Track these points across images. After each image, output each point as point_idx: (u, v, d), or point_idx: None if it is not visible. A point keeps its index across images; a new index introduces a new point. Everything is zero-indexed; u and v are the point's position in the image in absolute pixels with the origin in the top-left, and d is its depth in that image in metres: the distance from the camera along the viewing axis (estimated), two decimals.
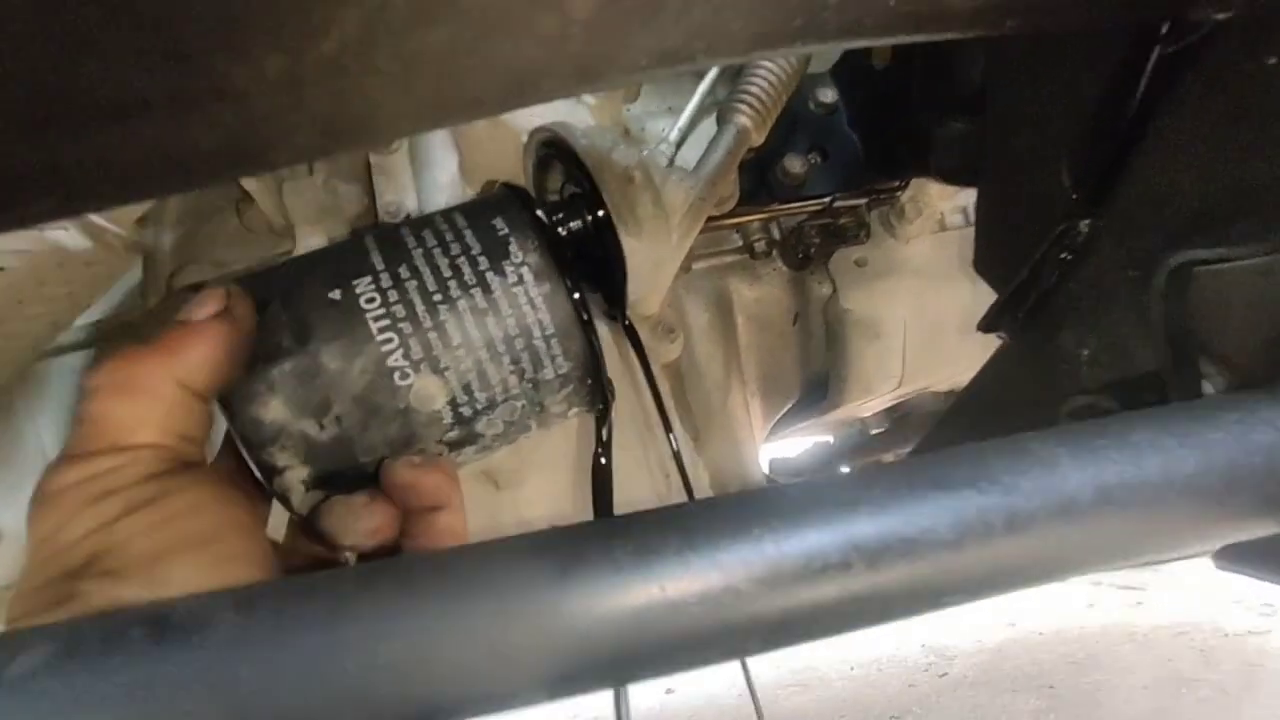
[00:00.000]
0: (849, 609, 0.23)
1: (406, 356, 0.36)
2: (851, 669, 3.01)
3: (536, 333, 0.38)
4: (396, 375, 0.36)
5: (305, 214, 0.69)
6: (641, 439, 0.75)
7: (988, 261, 0.61)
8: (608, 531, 0.23)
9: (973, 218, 1.02)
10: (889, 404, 1.22)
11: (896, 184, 0.92)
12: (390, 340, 0.36)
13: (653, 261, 0.58)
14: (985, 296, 1.06)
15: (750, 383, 0.95)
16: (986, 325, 0.57)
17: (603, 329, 0.84)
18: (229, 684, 0.20)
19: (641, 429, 0.75)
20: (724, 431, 0.89)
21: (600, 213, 0.54)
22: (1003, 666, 2.60)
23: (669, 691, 3.48)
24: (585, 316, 0.39)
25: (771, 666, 3.48)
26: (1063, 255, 0.48)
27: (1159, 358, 0.39)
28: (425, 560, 0.23)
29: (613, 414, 0.48)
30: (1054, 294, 0.50)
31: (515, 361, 0.38)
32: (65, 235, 0.49)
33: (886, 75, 0.87)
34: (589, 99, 0.64)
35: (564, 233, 0.56)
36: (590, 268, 0.66)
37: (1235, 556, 0.41)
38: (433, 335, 0.36)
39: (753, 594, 0.22)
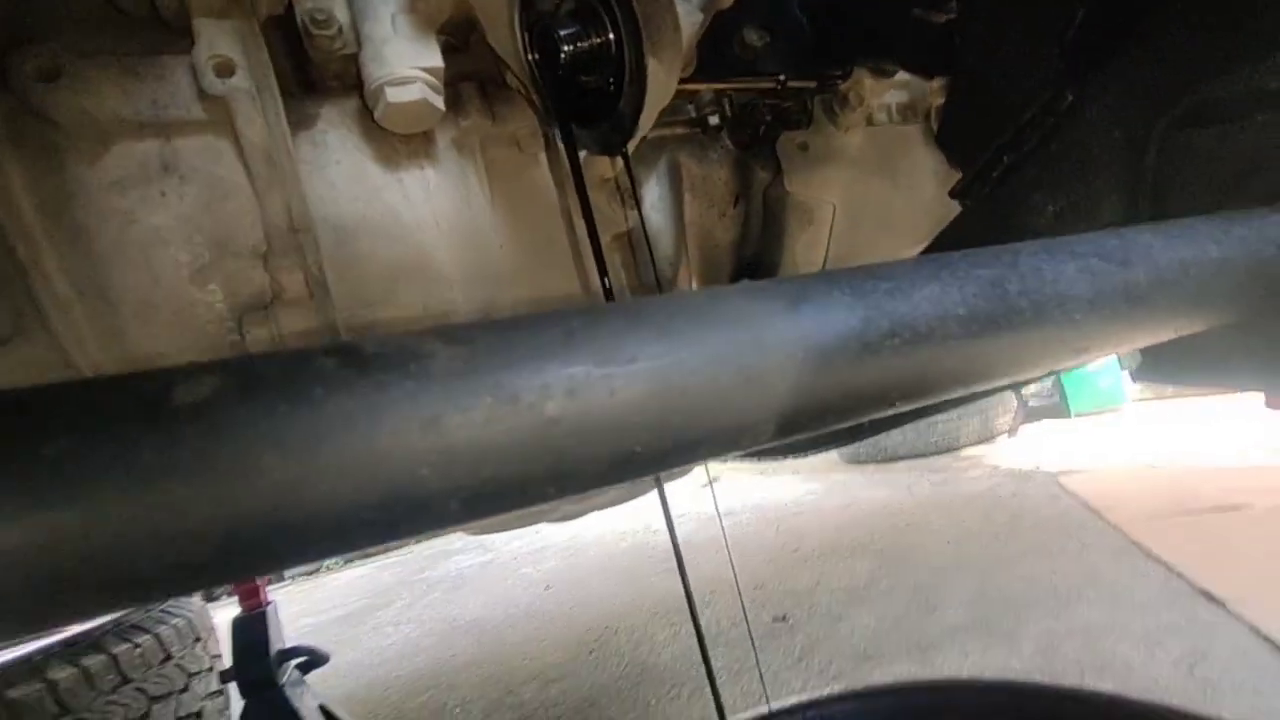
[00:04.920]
0: (1025, 353, 0.25)
1: None
2: (716, 552, 3.36)
3: None
4: None
5: (208, 1, 0.54)
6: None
7: (957, 135, 0.65)
8: (825, 278, 0.22)
9: (897, 116, 1.08)
10: None
11: (840, 72, 0.94)
12: None
13: (661, 92, 0.54)
14: (903, 195, 1.16)
15: (692, 262, 0.95)
16: (959, 191, 0.61)
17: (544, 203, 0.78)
18: (446, 417, 0.17)
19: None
20: None
21: (627, 29, 0.49)
22: (843, 540, 3.06)
23: (548, 588, 3.65)
24: None
25: (646, 551, 3.78)
26: (1047, 120, 0.53)
27: (1140, 208, 0.45)
28: (650, 300, 0.20)
29: None
30: (1029, 159, 0.55)
31: None
32: None
33: None
34: None
35: (569, 51, 0.50)
36: (579, 101, 0.60)
37: (1153, 370, 0.50)
38: None
39: (955, 334, 0.23)
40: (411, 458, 0.16)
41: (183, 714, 2.06)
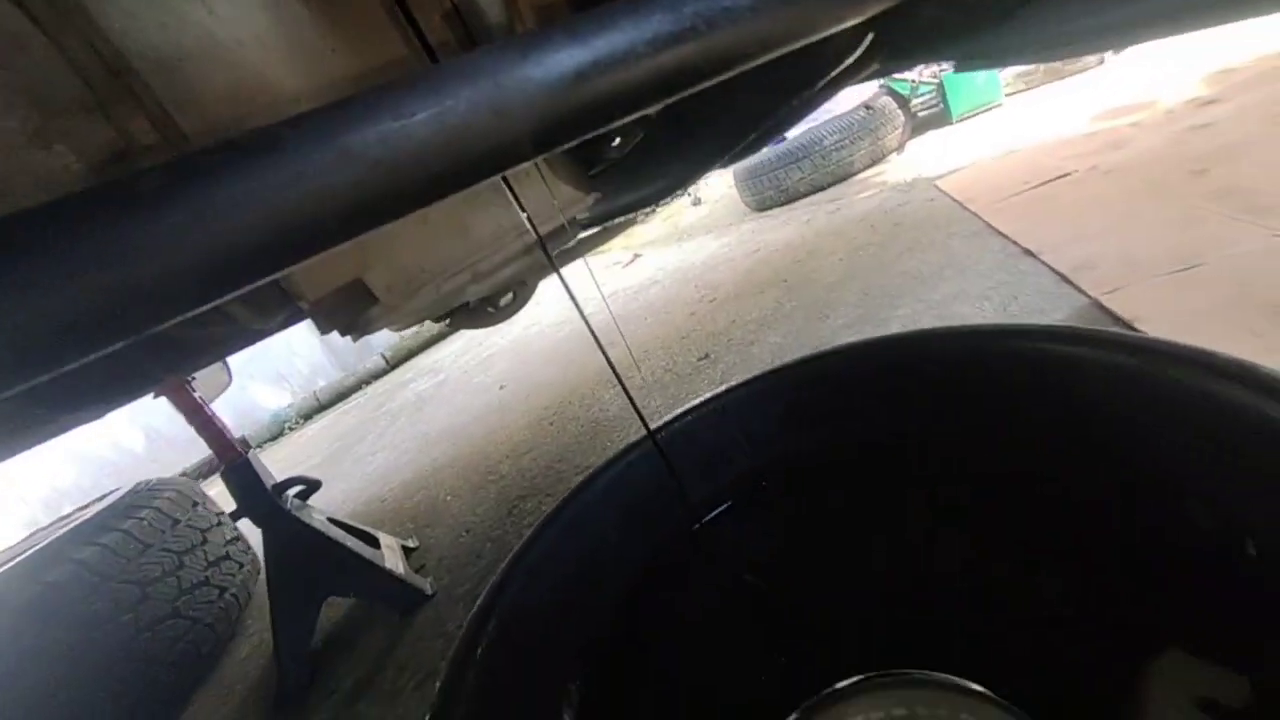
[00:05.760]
0: (708, 59, 0.35)
1: None
2: (646, 318, 3.67)
3: None
4: None
5: None
6: None
7: None
8: (549, 29, 0.31)
9: None
10: None
11: None
12: None
13: None
14: None
15: (527, 19, 0.95)
16: None
17: None
18: (307, 172, 0.27)
19: None
20: None
21: None
22: (752, 280, 3.38)
23: (502, 387, 3.97)
24: None
25: (585, 332, 4.09)
26: None
27: None
28: (423, 69, 0.29)
29: None
30: None
31: None
32: None
33: None
34: None
35: None
36: None
37: (895, 56, 0.62)
38: None
39: (645, 54, 0.33)
40: (293, 200, 0.27)
41: (213, 557, 2.35)
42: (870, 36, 0.60)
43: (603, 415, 2.57)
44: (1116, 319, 1.39)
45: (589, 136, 0.35)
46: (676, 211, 7.44)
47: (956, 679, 0.64)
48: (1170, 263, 1.50)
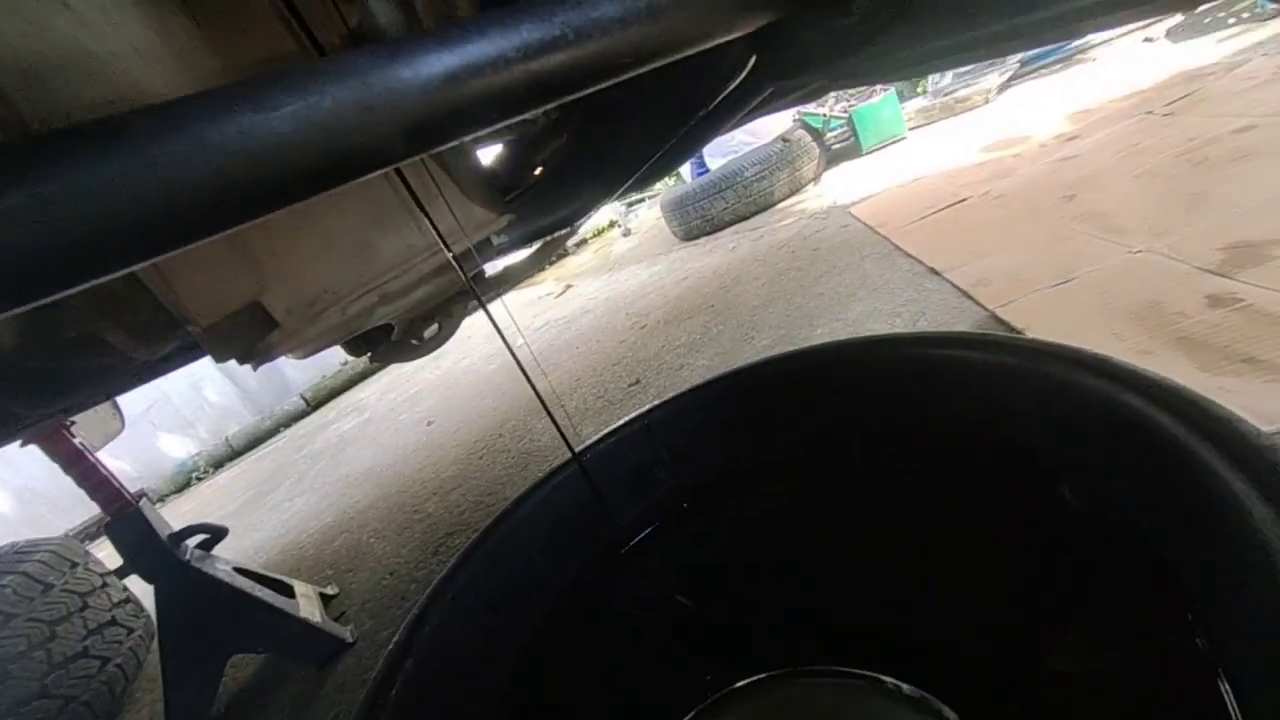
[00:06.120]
0: (576, 69, 0.36)
1: None
2: (578, 348, 3.66)
3: None
4: None
5: None
6: None
7: None
8: (421, 35, 0.32)
9: None
10: None
11: None
12: None
13: None
14: None
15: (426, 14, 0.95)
16: None
17: None
18: (164, 157, 0.26)
19: None
20: None
21: None
22: (681, 307, 3.45)
23: (429, 423, 3.83)
24: None
25: (515, 365, 4.02)
26: None
27: None
28: (294, 65, 0.29)
29: None
30: None
31: None
32: None
33: None
34: None
35: None
36: None
37: (775, 73, 0.66)
38: None
39: (515, 60, 0.34)
40: (144, 190, 0.25)
41: (94, 624, 2.12)
42: (753, 59, 0.64)
43: (533, 446, 2.52)
44: (1011, 329, 1.51)
45: (469, 137, 0.35)
46: (608, 242, 7.54)
47: (864, 673, 0.65)
48: (1050, 277, 1.64)
